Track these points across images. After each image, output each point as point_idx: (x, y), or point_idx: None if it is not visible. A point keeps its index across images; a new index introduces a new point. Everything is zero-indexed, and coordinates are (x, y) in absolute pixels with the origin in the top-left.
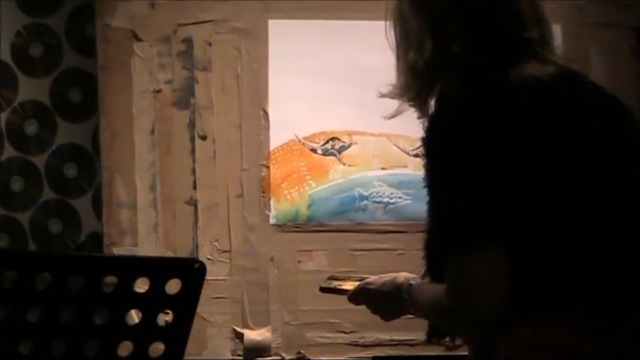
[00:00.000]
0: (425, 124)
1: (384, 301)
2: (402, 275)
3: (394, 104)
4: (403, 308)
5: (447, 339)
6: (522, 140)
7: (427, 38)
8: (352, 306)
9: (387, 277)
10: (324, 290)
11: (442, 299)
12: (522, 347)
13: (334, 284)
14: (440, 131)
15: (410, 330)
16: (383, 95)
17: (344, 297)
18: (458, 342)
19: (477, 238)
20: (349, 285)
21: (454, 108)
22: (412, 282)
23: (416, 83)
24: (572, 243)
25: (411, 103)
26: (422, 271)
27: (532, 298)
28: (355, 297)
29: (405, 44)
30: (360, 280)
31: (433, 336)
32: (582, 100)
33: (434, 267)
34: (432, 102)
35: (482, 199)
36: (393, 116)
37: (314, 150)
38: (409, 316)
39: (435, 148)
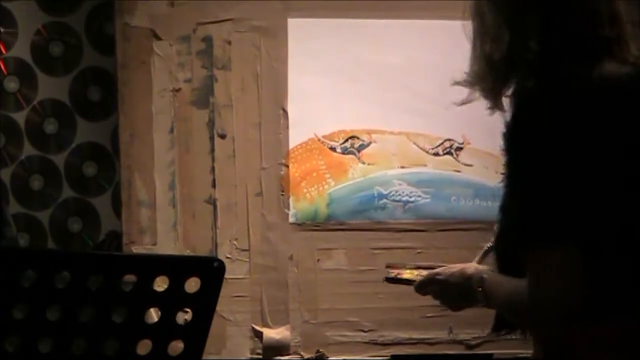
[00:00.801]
0: (507, 118)
1: (453, 292)
2: (471, 267)
3: (414, 102)
4: (473, 299)
5: (515, 333)
6: (603, 139)
7: (504, 33)
8: (371, 305)
9: (455, 268)
10: (389, 280)
11: (523, 293)
12: (598, 346)
13: (393, 272)
14: (524, 126)
15: (429, 329)
16: (456, 83)
17: (364, 295)
18: (528, 336)
19: (562, 235)
20: (407, 274)
21: (536, 104)
22: (485, 275)
23: (491, 74)
24: None
25: (484, 93)
26: (477, 259)
27: (609, 298)
28: (423, 287)
29: (483, 36)
30: (416, 269)
31: (500, 329)
32: None
33: (506, 260)
34: (505, 97)
35: (567, 196)
36: (463, 103)
37: (333, 149)
38: (430, 314)
39: (518, 143)
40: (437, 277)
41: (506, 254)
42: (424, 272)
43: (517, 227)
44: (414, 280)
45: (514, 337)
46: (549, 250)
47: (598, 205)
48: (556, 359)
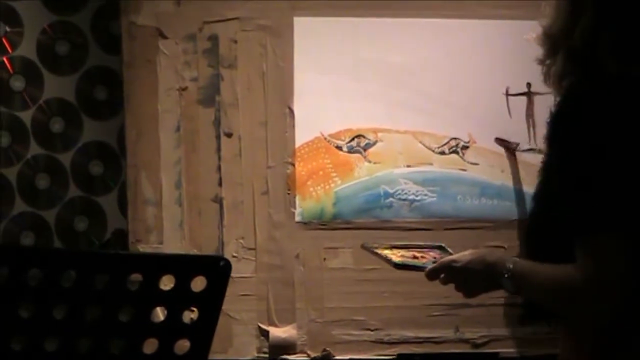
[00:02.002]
0: (561, 103)
1: (473, 279)
2: (491, 253)
3: (420, 101)
4: (493, 286)
5: (546, 323)
6: None
7: (563, 14)
8: (378, 304)
9: (471, 255)
10: (399, 266)
11: (571, 280)
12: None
13: (383, 254)
14: (577, 119)
15: (436, 328)
16: (532, 38)
17: (370, 294)
18: (554, 326)
19: (617, 223)
20: (388, 253)
21: (590, 100)
22: (510, 263)
23: (544, 44)
24: None
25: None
26: None
27: None
28: (435, 273)
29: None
30: (392, 248)
31: (528, 320)
32: None
33: (539, 248)
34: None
35: (624, 185)
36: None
37: (339, 148)
38: (436, 313)
39: (567, 135)
40: (454, 264)
41: (540, 241)
42: (402, 251)
43: (573, 213)
44: (425, 267)
45: (542, 328)
46: (606, 237)
47: None
48: (596, 352)
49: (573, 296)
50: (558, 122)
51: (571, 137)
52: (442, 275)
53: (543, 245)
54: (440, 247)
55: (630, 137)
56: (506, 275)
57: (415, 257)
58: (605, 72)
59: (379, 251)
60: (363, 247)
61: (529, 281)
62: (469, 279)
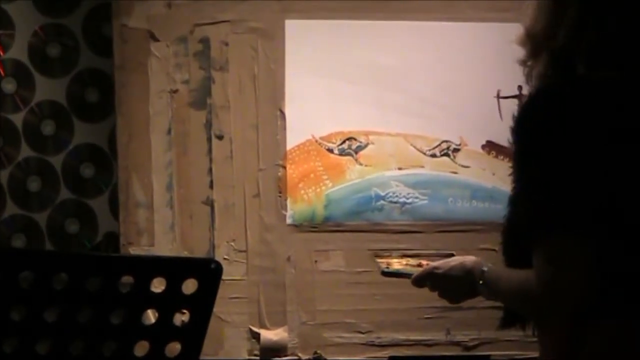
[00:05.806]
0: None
1: (453, 285)
2: (471, 260)
3: (411, 104)
4: (474, 292)
5: (521, 328)
6: (613, 136)
7: (545, 12)
8: (369, 306)
9: (453, 261)
10: (386, 274)
11: (529, 285)
12: (612, 338)
13: (382, 263)
14: (532, 119)
15: (427, 331)
16: (516, 41)
17: (362, 297)
18: (529, 331)
19: (569, 225)
20: (396, 264)
21: (549, 101)
22: (485, 267)
23: (526, 43)
24: None
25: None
26: None
27: (620, 290)
28: (420, 281)
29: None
30: (403, 258)
31: (507, 323)
32: None
33: (514, 254)
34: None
35: (579, 185)
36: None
37: (330, 150)
38: (427, 315)
39: (526, 136)
40: (436, 270)
41: (514, 246)
42: (411, 261)
43: (527, 215)
44: (411, 274)
45: (521, 333)
46: (559, 238)
47: (610, 197)
48: (565, 354)
49: (530, 300)
50: (516, 123)
51: (524, 139)
52: (428, 283)
53: (517, 250)
54: (451, 255)
55: (582, 139)
56: (480, 282)
57: (420, 266)
58: (575, 73)
59: (379, 260)
60: (375, 256)
61: (498, 287)
62: (450, 285)
